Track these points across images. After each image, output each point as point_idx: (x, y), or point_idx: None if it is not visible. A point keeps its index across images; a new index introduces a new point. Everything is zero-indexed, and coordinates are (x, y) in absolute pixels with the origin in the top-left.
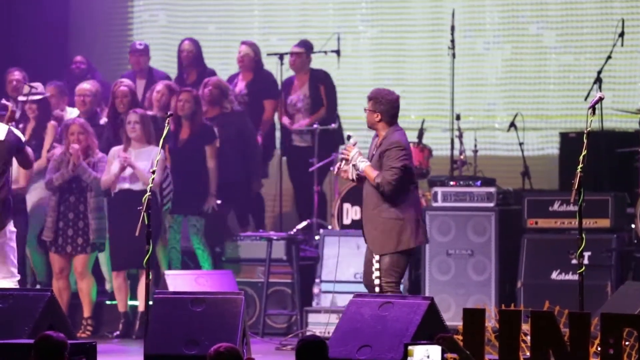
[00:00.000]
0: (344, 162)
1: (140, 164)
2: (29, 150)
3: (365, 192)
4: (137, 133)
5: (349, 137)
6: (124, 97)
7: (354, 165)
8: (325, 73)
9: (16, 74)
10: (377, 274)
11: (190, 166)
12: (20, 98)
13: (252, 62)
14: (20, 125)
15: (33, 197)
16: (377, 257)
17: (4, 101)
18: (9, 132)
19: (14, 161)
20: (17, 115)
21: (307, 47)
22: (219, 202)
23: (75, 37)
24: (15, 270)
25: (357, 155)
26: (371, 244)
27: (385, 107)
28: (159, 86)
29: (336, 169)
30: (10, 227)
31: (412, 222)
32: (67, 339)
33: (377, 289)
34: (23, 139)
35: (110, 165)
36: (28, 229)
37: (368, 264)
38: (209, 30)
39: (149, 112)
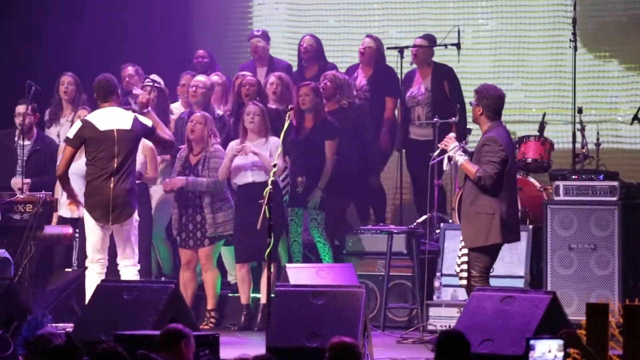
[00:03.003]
0: (439, 151)
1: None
2: (161, 133)
3: (465, 188)
4: (255, 124)
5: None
6: (251, 87)
7: (449, 157)
8: (449, 68)
9: (129, 69)
10: (463, 267)
11: (312, 159)
12: (135, 91)
13: (373, 55)
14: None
15: (158, 189)
16: (459, 253)
17: (135, 90)
18: (135, 120)
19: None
20: (146, 98)
21: (430, 40)
22: (323, 195)
23: (195, 31)
24: (136, 259)
25: (457, 149)
26: (464, 238)
27: (489, 101)
28: (271, 78)
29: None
30: (136, 216)
31: (503, 219)
32: (189, 330)
33: (462, 282)
34: (150, 124)
35: (229, 159)
36: (153, 220)
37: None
38: (329, 24)
39: (270, 106)
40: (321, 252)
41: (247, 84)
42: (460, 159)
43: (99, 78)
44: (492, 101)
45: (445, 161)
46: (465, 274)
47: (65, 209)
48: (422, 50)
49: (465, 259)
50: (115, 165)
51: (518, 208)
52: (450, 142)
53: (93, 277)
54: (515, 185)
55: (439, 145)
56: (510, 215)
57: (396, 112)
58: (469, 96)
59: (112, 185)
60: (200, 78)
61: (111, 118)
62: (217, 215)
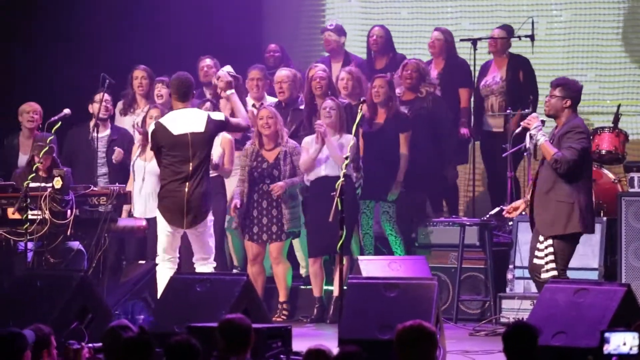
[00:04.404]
0: (520, 128)
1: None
2: (233, 121)
3: (540, 175)
4: (332, 119)
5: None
6: (321, 80)
7: (531, 136)
8: (526, 59)
9: (207, 61)
10: (540, 262)
11: (384, 152)
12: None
13: (443, 48)
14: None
15: (233, 181)
16: (541, 245)
17: (220, 72)
18: (208, 121)
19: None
20: (228, 79)
21: (508, 31)
22: (403, 189)
23: (268, 24)
24: (212, 257)
25: (539, 128)
26: (540, 226)
27: (575, 94)
28: (342, 73)
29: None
30: (210, 216)
31: (582, 208)
32: (250, 322)
33: (548, 275)
34: (222, 117)
35: (315, 152)
36: (227, 214)
37: (532, 250)
38: (402, 15)
39: (342, 100)
40: (393, 245)
41: (318, 78)
42: (542, 138)
43: (178, 76)
44: (577, 94)
45: (528, 139)
46: (552, 265)
47: (138, 210)
48: (500, 40)
49: (551, 249)
50: (190, 168)
51: (593, 199)
52: (533, 120)
53: (164, 272)
54: (591, 175)
55: (521, 123)
56: (588, 205)
57: (472, 102)
58: (543, 88)
59: (186, 189)
60: (284, 72)
61: (185, 121)
62: (293, 211)
